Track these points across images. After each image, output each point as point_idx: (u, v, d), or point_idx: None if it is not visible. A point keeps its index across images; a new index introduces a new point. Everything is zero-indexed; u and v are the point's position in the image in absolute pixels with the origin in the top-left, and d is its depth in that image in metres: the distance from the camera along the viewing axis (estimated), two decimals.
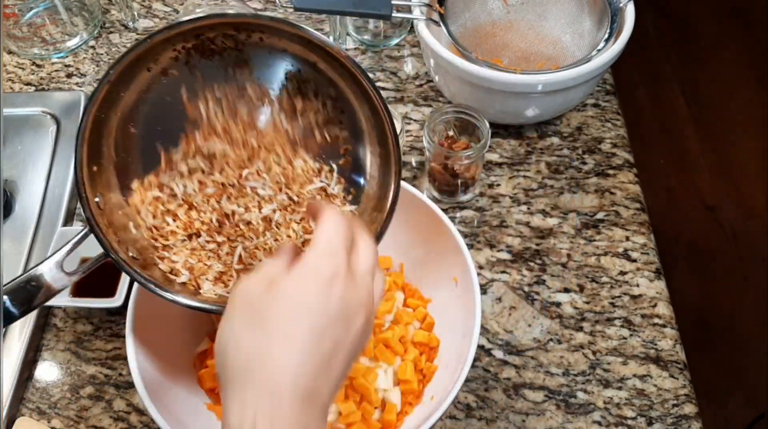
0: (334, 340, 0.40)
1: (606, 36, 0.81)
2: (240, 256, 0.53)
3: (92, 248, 0.75)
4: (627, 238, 0.79)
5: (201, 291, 0.53)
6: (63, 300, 0.73)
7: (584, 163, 0.85)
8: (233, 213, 0.53)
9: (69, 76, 0.96)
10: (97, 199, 0.52)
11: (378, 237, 0.55)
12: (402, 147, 0.79)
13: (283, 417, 0.37)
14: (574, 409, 0.68)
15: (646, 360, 0.71)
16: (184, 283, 0.53)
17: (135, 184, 0.54)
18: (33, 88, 0.95)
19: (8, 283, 0.50)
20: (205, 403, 0.64)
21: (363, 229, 0.45)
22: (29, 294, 0.51)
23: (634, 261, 0.77)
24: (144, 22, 1.01)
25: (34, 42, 0.96)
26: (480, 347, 0.72)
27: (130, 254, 0.52)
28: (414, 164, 0.86)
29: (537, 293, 0.76)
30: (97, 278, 0.74)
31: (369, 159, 0.58)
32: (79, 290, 0.74)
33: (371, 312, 0.42)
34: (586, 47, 0.84)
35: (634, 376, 0.70)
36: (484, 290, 0.76)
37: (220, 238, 0.54)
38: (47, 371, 0.72)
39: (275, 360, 0.38)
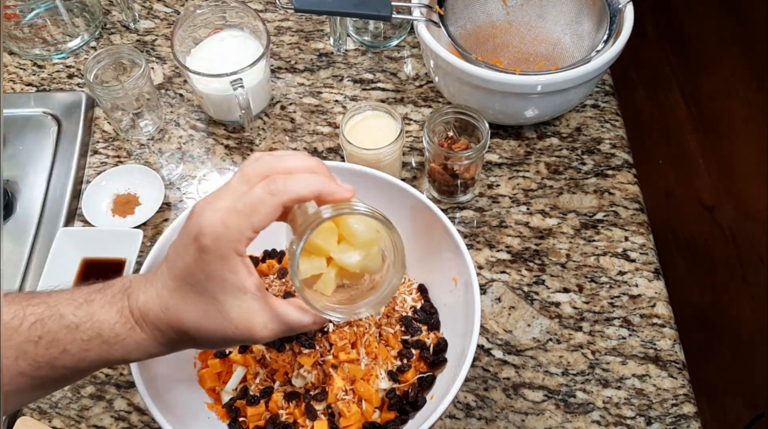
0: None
1: (605, 37, 0.82)
2: None
3: (92, 248, 0.75)
4: (626, 239, 0.79)
5: None
6: None
7: (583, 164, 0.86)
8: None
9: (70, 76, 0.96)
10: None
11: None
12: (402, 148, 0.80)
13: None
14: (573, 408, 0.69)
15: (645, 360, 0.71)
16: None
17: None
18: (34, 88, 0.95)
19: None
20: (206, 402, 0.64)
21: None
22: None
23: (633, 261, 0.78)
24: (145, 23, 1.01)
25: (36, 43, 0.96)
26: (479, 347, 0.72)
27: None
28: (414, 165, 0.86)
29: (536, 293, 0.76)
30: (98, 278, 0.75)
31: None
32: None
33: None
34: (585, 48, 0.84)
35: (633, 375, 0.70)
36: (483, 290, 0.76)
37: None
38: None
39: None
